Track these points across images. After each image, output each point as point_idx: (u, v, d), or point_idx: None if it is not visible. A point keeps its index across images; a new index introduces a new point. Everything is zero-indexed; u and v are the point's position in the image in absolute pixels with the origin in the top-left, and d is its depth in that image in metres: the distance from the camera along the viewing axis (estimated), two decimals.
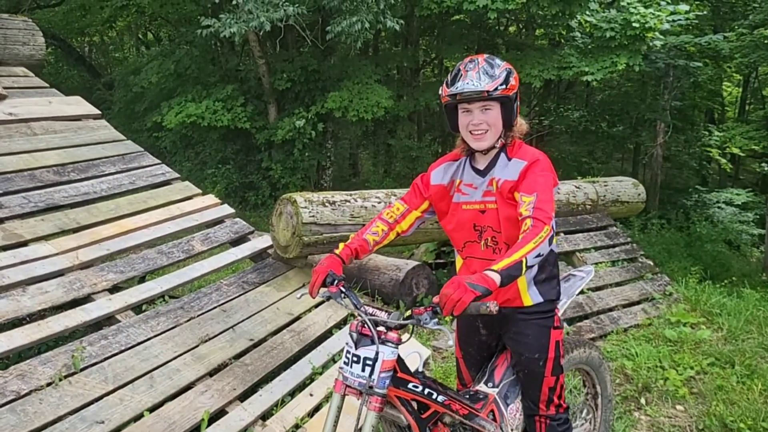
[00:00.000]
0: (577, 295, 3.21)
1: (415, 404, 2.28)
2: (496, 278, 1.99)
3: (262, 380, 3.59)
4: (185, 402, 3.19)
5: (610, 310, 5.47)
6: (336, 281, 2.33)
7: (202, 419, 3.12)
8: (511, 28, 16.00)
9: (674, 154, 16.62)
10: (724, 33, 13.05)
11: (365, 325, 2.17)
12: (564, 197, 6.18)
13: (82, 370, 3.11)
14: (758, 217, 14.39)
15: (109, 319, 3.54)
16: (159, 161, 5.30)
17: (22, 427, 2.71)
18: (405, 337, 2.21)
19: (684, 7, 11.24)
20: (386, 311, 2.24)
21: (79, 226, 4.16)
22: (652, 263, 6.53)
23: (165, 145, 15.14)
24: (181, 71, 13.44)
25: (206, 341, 3.64)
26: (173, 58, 13.56)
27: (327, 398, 3.58)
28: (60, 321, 3.34)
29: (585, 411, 3.13)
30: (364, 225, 2.66)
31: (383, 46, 16.03)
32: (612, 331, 5.19)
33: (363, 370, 2.14)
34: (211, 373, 3.47)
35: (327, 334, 4.17)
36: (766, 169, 15.46)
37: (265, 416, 3.36)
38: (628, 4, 11.03)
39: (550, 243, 2.14)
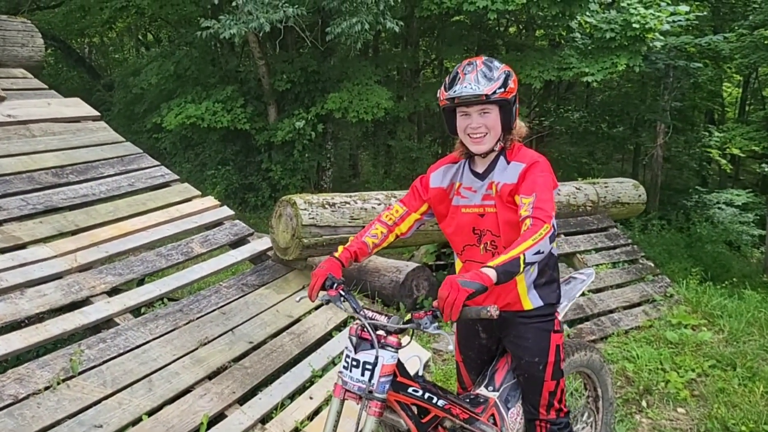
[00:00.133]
0: (578, 297, 3.19)
1: (415, 408, 2.26)
2: (492, 274, 1.97)
3: (262, 383, 3.57)
4: (184, 405, 3.17)
5: (611, 311, 5.46)
6: (335, 284, 2.32)
7: (201, 423, 3.11)
8: (511, 29, 16.00)
9: (674, 155, 16.61)
10: (724, 34, 13.03)
11: (365, 329, 2.16)
12: (564, 198, 6.16)
13: (80, 373, 3.09)
14: (758, 217, 14.38)
15: (107, 322, 3.52)
16: (158, 163, 5.28)
17: None
18: (405, 341, 2.19)
19: (684, 7, 11.24)
20: (386, 315, 2.22)
21: (78, 228, 4.14)
22: (652, 265, 6.51)
23: (165, 146, 15.14)
24: (181, 72, 13.43)
25: (205, 344, 3.62)
26: (173, 59, 13.55)
27: (327, 401, 3.56)
28: (58, 324, 3.32)
29: (586, 414, 3.11)
30: (364, 227, 2.64)
31: (383, 47, 16.02)
32: (613, 333, 5.17)
33: (363, 375, 2.13)
34: (210, 377, 3.45)
35: (327, 337, 4.15)
36: (766, 169, 15.45)
37: (264, 420, 3.34)
38: (628, 4, 11.02)
39: (551, 241, 2.12)
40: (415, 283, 5.56)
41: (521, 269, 2.03)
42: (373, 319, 2.20)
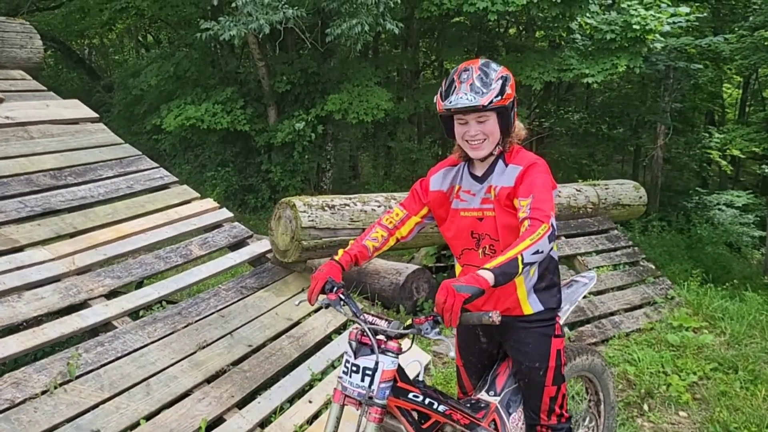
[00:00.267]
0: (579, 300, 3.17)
1: (415, 414, 2.24)
2: (489, 276, 1.94)
3: (261, 387, 3.55)
4: (182, 410, 3.15)
5: (612, 314, 5.44)
6: (335, 288, 2.29)
7: (200, 427, 3.08)
8: (512, 30, 15.97)
9: (674, 156, 16.59)
10: (725, 35, 13.01)
11: (365, 334, 2.13)
12: (565, 200, 6.14)
13: (77, 377, 3.07)
14: (759, 219, 14.34)
15: (105, 326, 3.50)
16: (157, 165, 5.26)
17: None
18: (405, 346, 2.17)
19: (684, 9, 11.21)
20: (386, 319, 2.19)
21: (76, 230, 4.12)
22: (653, 267, 6.49)
23: (164, 147, 15.10)
24: (181, 74, 13.40)
25: (204, 347, 3.60)
26: (173, 61, 13.52)
27: (326, 405, 3.54)
28: (56, 327, 3.30)
29: (588, 419, 3.09)
30: (363, 229, 2.63)
31: (383, 48, 15.99)
32: (614, 336, 5.15)
33: (362, 380, 2.10)
34: (208, 380, 3.43)
35: (326, 340, 4.13)
36: (766, 171, 15.42)
37: (263, 424, 3.32)
38: (628, 6, 10.99)
39: (551, 241, 2.09)
40: (415, 286, 5.54)
41: (520, 270, 2.00)
42: (373, 324, 2.18)
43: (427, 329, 2.03)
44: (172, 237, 4.50)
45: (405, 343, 2.19)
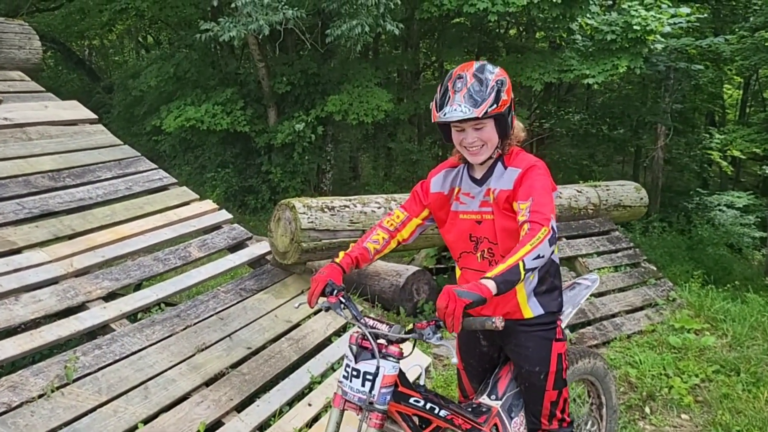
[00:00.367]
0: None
1: (416, 419, 2.21)
2: (491, 285, 1.92)
3: (260, 390, 3.52)
4: (180, 413, 3.12)
5: (613, 316, 5.41)
6: (335, 291, 2.27)
7: (198, 431, 3.05)
8: (512, 31, 15.95)
9: (675, 157, 16.57)
10: (725, 36, 12.99)
11: (365, 338, 2.11)
12: (566, 202, 6.12)
13: (74, 381, 3.05)
14: (759, 220, 14.31)
15: (103, 328, 3.47)
16: (156, 166, 5.24)
17: None
18: (407, 350, 2.14)
19: (685, 9, 11.18)
20: (387, 323, 2.17)
21: (74, 232, 4.10)
22: (654, 268, 6.46)
23: (164, 148, 15.08)
24: (181, 75, 13.38)
25: (203, 350, 3.57)
26: (172, 62, 13.50)
27: (326, 408, 3.51)
28: (53, 330, 3.28)
29: (590, 423, 3.06)
30: (363, 231, 2.61)
31: (383, 49, 15.97)
32: (615, 338, 5.12)
33: (363, 385, 2.07)
34: (207, 383, 3.40)
35: (326, 342, 4.10)
36: (767, 171, 15.39)
37: (262, 427, 3.29)
38: (629, 6, 10.97)
39: (551, 244, 2.06)
40: (416, 287, 5.52)
41: (522, 276, 1.97)
42: (374, 328, 2.15)
43: (428, 334, 2.00)
44: (171, 239, 4.47)
45: (406, 347, 2.16)
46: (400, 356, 2.10)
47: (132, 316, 3.71)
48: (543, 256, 2.02)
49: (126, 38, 22.23)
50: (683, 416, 4.12)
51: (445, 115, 2.17)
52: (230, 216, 4.99)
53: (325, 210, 4.43)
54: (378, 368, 2.05)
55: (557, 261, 2.49)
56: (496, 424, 2.44)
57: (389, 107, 11.61)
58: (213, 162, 14.09)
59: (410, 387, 2.19)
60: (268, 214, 11.91)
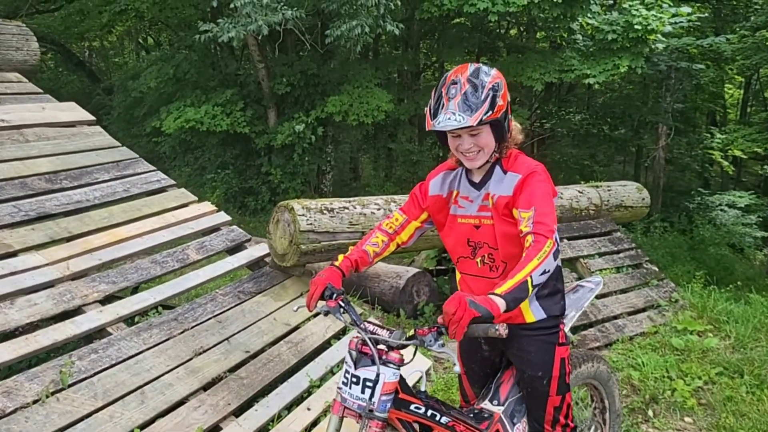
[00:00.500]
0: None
1: (417, 426, 2.17)
2: (501, 304, 1.88)
3: (258, 394, 3.48)
4: (178, 418, 3.08)
5: (615, 317, 5.37)
6: (335, 295, 2.23)
7: None
8: (512, 31, 15.91)
9: (676, 157, 16.53)
10: (726, 35, 12.96)
11: (365, 344, 2.06)
12: (567, 202, 6.07)
13: (70, 386, 3.00)
14: (761, 219, 14.27)
15: (99, 332, 3.43)
16: (154, 168, 5.19)
17: None
18: (407, 357, 2.10)
19: (686, 9, 11.14)
20: (388, 329, 2.12)
21: (71, 235, 4.06)
22: (656, 269, 6.41)
23: (164, 150, 15.05)
24: (180, 76, 13.35)
25: (200, 354, 3.53)
26: (172, 63, 13.48)
27: (325, 412, 3.47)
28: (49, 334, 3.24)
29: (593, 428, 3.02)
30: (363, 233, 2.57)
31: (383, 49, 15.93)
32: (617, 340, 5.08)
33: (363, 392, 2.03)
34: (205, 387, 3.36)
35: (325, 345, 4.06)
36: None
37: None
38: (630, 6, 10.93)
39: (555, 257, 2.03)
40: (416, 289, 5.48)
41: (530, 293, 1.94)
42: (374, 333, 2.11)
43: (430, 341, 1.96)
44: (169, 241, 4.43)
45: (407, 353, 2.11)
46: (401, 363, 2.06)
47: (129, 320, 3.67)
48: (549, 271, 2.00)
49: (126, 40, 22.21)
50: (686, 419, 4.08)
51: (439, 123, 2.11)
52: (229, 218, 4.95)
53: (324, 212, 4.39)
54: (378, 375, 2.01)
55: (559, 263, 2.45)
56: (498, 430, 2.40)
57: (389, 108, 11.58)
58: (213, 163, 14.06)
59: (411, 393, 2.15)
60: (268, 215, 11.85)
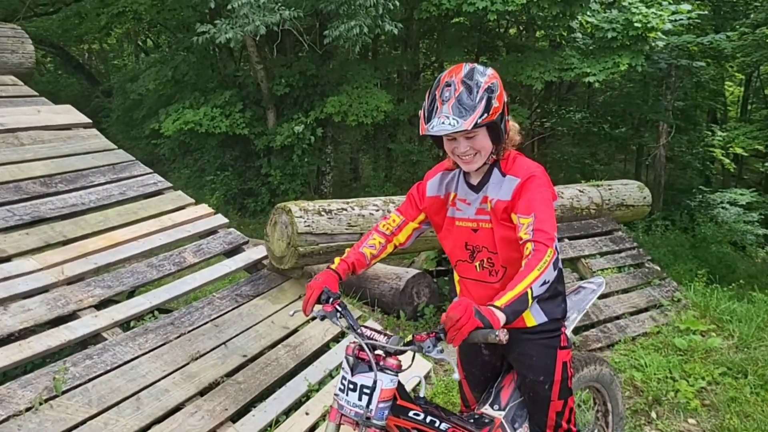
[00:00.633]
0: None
1: None
2: (501, 317, 1.84)
3: (256, 399, 3.43)
4: (174, 425, 3.03)
5: (617, 318, 5.31)
6: (331, 299, 2.18)
7: None
8: (512, 30, 15.87)
9: (677, 155, 16.48)
10: (726, 32, 12.91)
11: (362, 349, 2.02)
12: (568, 202, 6.02)
13: (64, 392, 2.95)
14: (763, 217, 14.21)
15: (94, 337, 3.38)
16: (151, 170, 5.15)
17: None
18: (405, 363, 2.05)
19: (686, 6, 11.09)
20: (385, 334, 2.07)
21: (66, 239, 4.01)
22: (658, 268, 6.36)
23: (163, 152, 15.02)
24: (179, 78, 13.32)
25: (197, 359, 3.48)
26: (171, 65, 13.44)
27: (323, 417, 3.42)
28: (42, 340, 3.19)
29: (596, 431, 2.97)
30: (361, 234, 2.52)
31: (382, 49, 15.89)
32: (619, 341, 5.03)
33: (360, 399, 1.98)
34: (201, 393, 3.31)
35: (324, 348, 4.01)
36: None
37: None
38: (629, 4, 10.88)
39: (555, 267, 1.98)
40: (416, 291, 5.43)
41: (529, 305, 1.90)
42: (372, 339, 2.06)
43: (428, 347, 1.91)
44: (165, 244, 4.38)
45: (405, 359, 2.06)
46: (399, 369, 2.01)
47: (124, 325, 3.63)
48: (548, 282, 1.95)
49: (125, 42, 22.18)
50: (690, 420, 4.03)
51: (432, 128, 2.06)
52: (226, 220, 4.90)
53: (323, 213, 4.34)
54: (375, 382, 1.96)
55: (560, 265, 2.40)
56: None
57: (389, 108, 11.54)
58: (212, 165, 14.03)
59: (409, 400, 2.11)
60: (267, 217, 11.79)
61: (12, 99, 5.30)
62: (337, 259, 2.36)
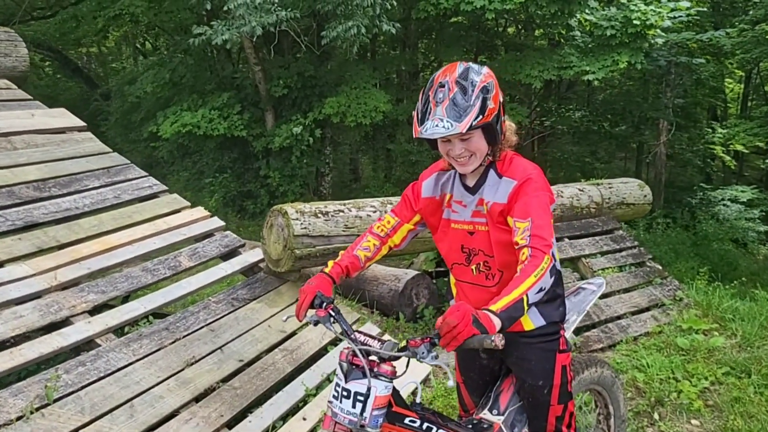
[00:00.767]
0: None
1: None
2: (497, 323, 1.78)
3: (252, 404, 3.38)
4: None
5: (619, 318, 5.26)
6: (324, 303, 2.14)
7: None
8: (510, 29, 15.82)
9: (678, 152, 16.42)
10: (725, 29, 12.86)
11: (356, 355, 1.97)
12: (568, 201, 5.96)
13: (56, 400, 2.91)
14: (764, 214, 14.16)
15: (88, 344, 3.34)
16: (146, 173, 5.10)
17: None
18: (400, 369, 2.00)
19: (685, 3, 11.04)
20: (379, 340, 2.02)
21: (60, 244, 3.97)
22: (660, 267, 6.30)
23: (162, 155, 14.97)
24: (177, 80, 13.27)
25: (192, 364, 3.44)
26: (168, 67, 13.39)
27: (321, 422, 3.36)
28: (34, 347, 3.14)
29: None
30: (359, 236, 2.46)
31: (381, 49, 15.85)
32: (621, 341, 4.97)
33: (354, 407, 1.93)
34: (197, 399, 3.26)
35: (322, 352, 3.96)
36: None
37: None
38: (628, 1, 10.84)
39: (552, 275, 1.93)
40: (415, 292, 5.38)
41: (524, 312, 1.85)
42: (365, 344, 2.01)
43: (423, 353, 1.85)
44: (160, 248, 4.34)
45: (400, 365, 2.01)
46: (393, 375, 1.96)
47: (119, 330, 3.58)
48: (544, 289, 1.90)
49: (124, 45, 22.14)
50: (693, 422, 3.97)
51: (426, 130, 2.00)
52: (222, 223, 4.86)
53: (319, 215, 4.29)
54: (369, 389, 1.91)
55: (559, 267, 2.34)
56: None
57: (387, 108, 11.49)
58: (211, 167, 13.99)
59: (405, 406, 2.06)
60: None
61: (5, 103, 5.26)
62: (330, 263, 2.31)
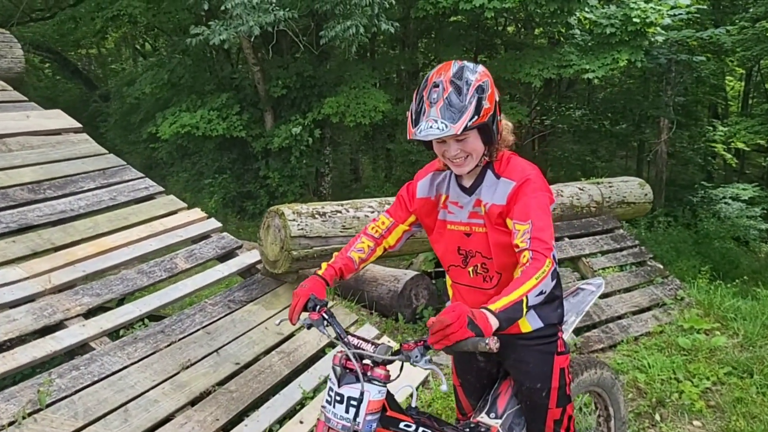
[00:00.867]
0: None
1: None
2: (494, 323, 1.75)
3: (249, 408, 3.35)
4: None
5: (619, 317, 5.22)
6: (318, 306, 2.10)
7: None
8: (510, 28, 15.77)
9: (679, 151, 16.36)
10: (726, 26, 12.81)
11: (350, 359, 1.93)
12: (568, 200, 5.92)
13: (48, 405, 2.87)
14: (765, 212, 14.11)
15: (82, 347, 3.30)
16: (142, 175, 5.07)
17: None
18: (394, 373, 1.96)
19: (685, 1, 10.99)
20: (373, 343, 1.99)
21: (54, 246, 3.93)
22: (661, 266, 6.26)
23: (161, 156, 14.94)
24: (175, 81, 13.23)
25: (188, 367, 3.40)
26: (167, 68, 13.36)
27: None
28: (28, 351, 3.11)
29: None
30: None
31: (380, 49, 15.81)
32: (622, 341, 4.93)
33: (347, 411, 1.90)
34: (192, 403, 3.23)
35: (319, 354, 3.93)
36: None
37: None
38: None
39: (553, 278, 1.91)
40: (414, 293, 5.34)
41: (523, 314, 1.81)
42: (359, 348, 1.97)
43: (416, 357, 1.82)
44: (157, 250, 4.31)
45: (394, 369, 1.97)
46: (387, 379, 1.92)
47: (113, 334, 3.54)
48: (545, 292, 1.86)
49: (123, 46, 22.11)
50: (695, 423, 3.93)
51: (420, 132, 1.95)
52: (219, 224, 4.82)
53: (316, 216, 4.25)
54: (362, 393, 1.88)
55: (557, 267, 2.30)
56: None
57: (387, 108, 11.45)
58: (210, 168, 13.95)
59: (400, 410, 2.02)
60: None
61: (1, 104, 5.22)
62: (324, 265, 2.28)
